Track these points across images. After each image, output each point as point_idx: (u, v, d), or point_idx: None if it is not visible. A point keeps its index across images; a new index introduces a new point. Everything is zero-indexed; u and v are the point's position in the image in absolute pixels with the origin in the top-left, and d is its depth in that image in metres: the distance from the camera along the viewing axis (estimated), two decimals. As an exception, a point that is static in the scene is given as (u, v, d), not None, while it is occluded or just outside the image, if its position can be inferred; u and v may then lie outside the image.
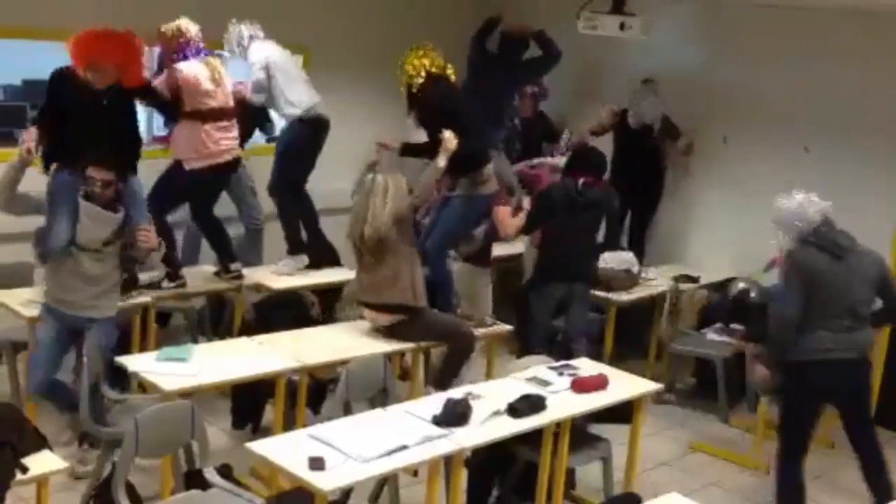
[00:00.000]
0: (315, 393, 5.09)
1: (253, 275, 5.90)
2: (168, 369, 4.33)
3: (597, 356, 5.47)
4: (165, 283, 5.49)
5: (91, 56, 4.89)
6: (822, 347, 4.47)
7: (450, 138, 5.02)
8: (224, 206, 6.11)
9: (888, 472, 4.64)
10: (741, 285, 5.75)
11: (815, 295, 4.45)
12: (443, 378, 5.00)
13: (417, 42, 5.44)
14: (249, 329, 5.29)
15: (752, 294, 5.60)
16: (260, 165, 6.38)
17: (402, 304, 4.91)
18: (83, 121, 4.90)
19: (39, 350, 4.70)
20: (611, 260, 6.27)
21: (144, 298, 5.35)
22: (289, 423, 4.64)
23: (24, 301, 5.06)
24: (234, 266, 5.75)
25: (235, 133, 5.57)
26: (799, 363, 4.53)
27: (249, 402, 5.30)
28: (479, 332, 5.45)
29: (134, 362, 4.44)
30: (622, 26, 6.10)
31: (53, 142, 4.92)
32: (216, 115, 5.42)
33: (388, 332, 4.99)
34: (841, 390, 4.62)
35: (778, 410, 4.80)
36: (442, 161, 5.02)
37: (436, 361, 5.34)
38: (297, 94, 5.81)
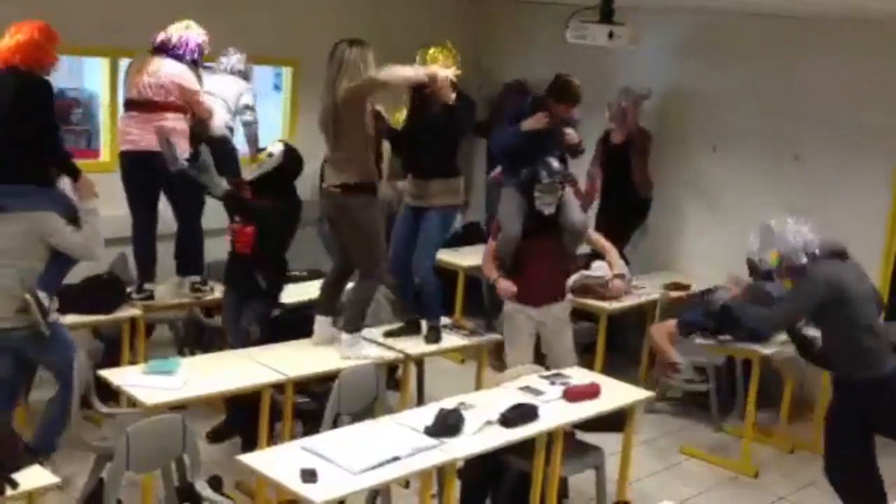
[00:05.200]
0: (314, 411, 4.98)
1: None
2: (153, 382, 4.30)
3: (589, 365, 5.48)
4: (134, 294, 5.49)
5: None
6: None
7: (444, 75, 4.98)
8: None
9: None
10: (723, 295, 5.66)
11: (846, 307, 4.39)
12: (353, 319, 4.97)
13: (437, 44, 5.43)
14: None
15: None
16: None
17: (351, 183, 4.82)
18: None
19: None
20: (601, 269, 6.27)
21: (134, 311, 5.35)
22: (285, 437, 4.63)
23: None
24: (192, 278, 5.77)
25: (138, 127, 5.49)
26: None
27: (245, 417, 5.22)
28: (470, 341, 5.47)
29: (120, 375, 4.41)
30: (611, 36, 6.11)
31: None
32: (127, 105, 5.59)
33: (334, 211, 4.96)
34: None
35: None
36: (420, 71, 4.95)
37: (344, 305, 5.21)
38: None
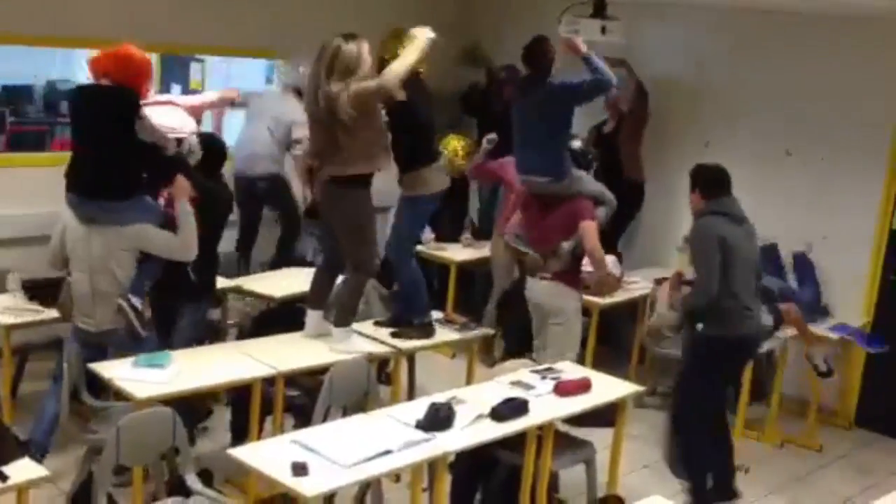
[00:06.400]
0: (305, 405, 4.96)
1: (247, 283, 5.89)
2: (143, 376, 4.26)
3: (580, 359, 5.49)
4: None
5: None
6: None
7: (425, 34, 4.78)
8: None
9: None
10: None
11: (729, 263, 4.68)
12: (344, 313, 4.94)
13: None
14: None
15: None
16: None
17: (343, 176, 4.69)
18: None
19: None
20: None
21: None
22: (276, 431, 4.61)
23: (1, 308, 5.03)
24: None
25: None
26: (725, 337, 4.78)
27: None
28: (461, 335, 5.46)
29: (111, 368, 4.38)
30: (603, 30, 6.10)
31: None
32: None
33: (325, 202, 4.86)
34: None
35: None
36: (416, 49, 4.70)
37: (335, 298, 5.15)
38: None
